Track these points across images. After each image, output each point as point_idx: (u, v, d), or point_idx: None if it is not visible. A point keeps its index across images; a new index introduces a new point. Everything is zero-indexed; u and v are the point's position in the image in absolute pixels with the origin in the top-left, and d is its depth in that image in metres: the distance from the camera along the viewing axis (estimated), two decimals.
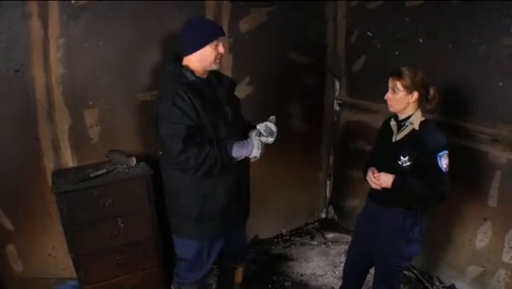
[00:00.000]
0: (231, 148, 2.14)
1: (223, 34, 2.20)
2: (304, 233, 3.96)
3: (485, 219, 2.80)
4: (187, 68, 2.18)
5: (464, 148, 2.79)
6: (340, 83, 3.81)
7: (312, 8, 3.51)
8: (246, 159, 2.25)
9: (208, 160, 2.08)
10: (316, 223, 4.10)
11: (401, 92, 2.16)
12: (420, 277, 3.19)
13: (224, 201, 2.28)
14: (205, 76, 2.24)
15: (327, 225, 4.05)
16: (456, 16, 2.75)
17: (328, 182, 4.10)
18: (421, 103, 2.21)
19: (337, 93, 3.84)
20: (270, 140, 2.25)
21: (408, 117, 2.21)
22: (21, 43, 2.47)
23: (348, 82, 3.75)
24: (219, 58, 2.19)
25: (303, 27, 3.52)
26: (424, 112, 2.24)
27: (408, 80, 2.13)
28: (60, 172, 2.67)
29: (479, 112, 2.73)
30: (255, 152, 2.18)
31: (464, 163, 2.76)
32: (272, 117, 2.30)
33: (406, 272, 3.17)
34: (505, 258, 2.72)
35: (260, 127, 2.24)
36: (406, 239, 2.28)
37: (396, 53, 3.19)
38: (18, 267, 2.79)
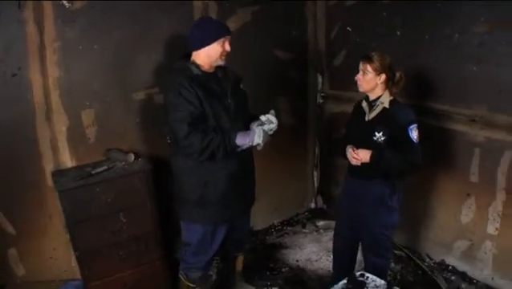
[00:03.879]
0: (235, 136, 2.27)
1: (229, 33, 2.37)
2: (295, 222, 4.06)
3: (468, 195, 2.97)
4: (193, 63, 2.34)
5: (443, 129, 2.98)
6: (323, 77, 3.94)
7: (293, 7, 3.65)
8: (251, 148, 2.37)
9: (211, 145, 2.21)
10: (306, 213, 4.20)
11: (370, 74, 2.39)
12: (411, 255, 3.33)
13: (225, 188, 2.39)
14: (211, 71, 2.39)
15: (316, 215, 4.16)
16: (430, 9, 2.93)
17: (315, 173, 4.22)
18: (388, 84, 2.44)
19: (320, 86, 3.98)
20: (272, 125, 2.37)
21: (378, 98, 2.44)
22: (17, 48, 2.51)
23: (330, 75, 3.89)
24: (224, 54, 2.35)
25: (286, 25, 3.65)
26: (391, 94, 2.45)
27: (376, 63, 2.37)
28: (60, 172, 2.71)
29: (456, 96, 2.91)
30: (257, 140, 2.29)
31: (444, 143, 2.97)
32: (272, 111, 2.44)
33: (396, 251, 3.33)
34: (490, 229, 2.90)
35: (263, 117, 2.38)
36: (387, 208, 2.49)
37: (375, 46, 3.33)
38: (19, 271, 2.78)
